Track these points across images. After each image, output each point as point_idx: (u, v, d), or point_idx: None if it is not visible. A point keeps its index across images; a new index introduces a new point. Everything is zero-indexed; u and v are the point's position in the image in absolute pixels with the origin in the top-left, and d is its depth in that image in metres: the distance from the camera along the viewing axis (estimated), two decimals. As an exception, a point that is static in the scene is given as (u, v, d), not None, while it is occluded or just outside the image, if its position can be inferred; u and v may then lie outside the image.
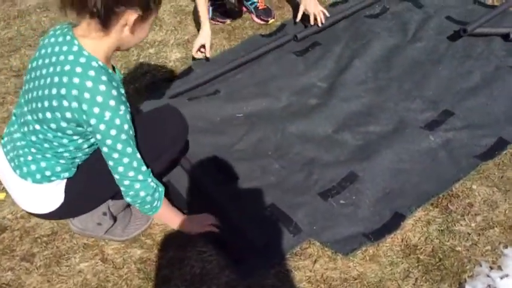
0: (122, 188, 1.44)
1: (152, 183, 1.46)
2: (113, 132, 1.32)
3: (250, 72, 2.43)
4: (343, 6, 2.87)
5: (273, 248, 1.62)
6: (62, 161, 1.42)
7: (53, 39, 1.36)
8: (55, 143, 1.38)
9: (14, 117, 1.49)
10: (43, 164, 1.41)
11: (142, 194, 1.44)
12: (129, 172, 1.39)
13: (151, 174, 1.46)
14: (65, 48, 1.31)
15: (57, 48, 1.32)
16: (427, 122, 2.06)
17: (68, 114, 1.31)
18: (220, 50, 2.64)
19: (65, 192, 1.46)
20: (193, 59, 2.52)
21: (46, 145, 1.39)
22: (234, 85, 2.35)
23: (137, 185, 1.42)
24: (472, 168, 1.82)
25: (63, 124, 1.33)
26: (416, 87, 2.25)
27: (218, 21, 2.84)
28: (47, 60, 1.34)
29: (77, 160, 1.46)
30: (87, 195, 1.53)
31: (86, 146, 1.43)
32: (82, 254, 1.63)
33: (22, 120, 1.42)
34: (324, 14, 2.59)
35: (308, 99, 2.26)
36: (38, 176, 1.42)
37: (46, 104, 1.32)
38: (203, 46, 2.46)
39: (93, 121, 1.29)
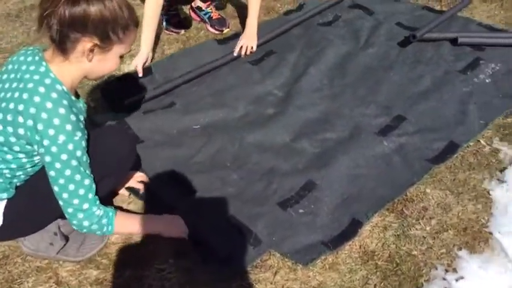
0: (66, 215, 1.41)
1: (98, 211, 1.42)
2: (64, 156, 1.29)
3: (206, 83, 2.42)
4: (297, 14, 2.90)
5: (234, 259, 1.61)
6: None
7: (22, 58, 1.36)
8: None
9: None
10: None
11: (86, 223, 1.41)
12: (74, 200, 1.37)
13: (97, 202, 1.42)
14: (32, 67, 1.31)
15: (24, 67, 1.32)
16: (381, 127, 2.10)
17: (21, 131, 1.29)
18: (175, 60, 2.62)
19: (4, 214, 1.42)
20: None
21: None
22: (190, 97, 2.33)
23: (80, 215, 1.39)
24: (425, 172, 1.86)
25: (12, 139, 1.31)
26: (370, 93, 2.29)
27: (172, 31, 2.81)
28: (12, 75, 1.34)
29: (15, 180, 1.42)
30: (28, 218, 1.49)
31: (28, 165, 1.40)
32: (35, 277, 1.57)
33: None
34: (252, 49, 2.57)
35: (265, 109, 2.26)
36: None
37: (0, 116, 1.30)
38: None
39: (46, 142, 1.27)
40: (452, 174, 1.86)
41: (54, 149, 1.28)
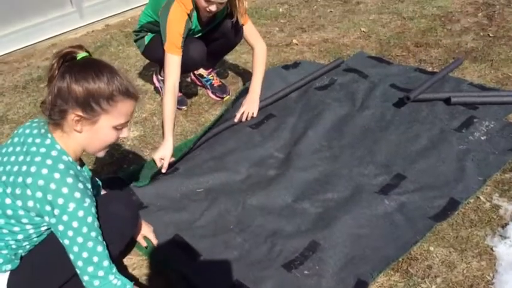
0: (83, 284, 1.40)
1: (115, 281, 1.40)
2: (75, 224, 1.32)
3: (207, 148, 2.47)
4: (294, 73, 3.02)
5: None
6: (4, 252, 1.39)
7: (28, 130, 1.41)
8: (4, 230, 1.36)
9: None
10: None
11: None
12: (89, 267, 1.36)
13: (114, 270, 1.41)
14: (38, 140, 1.37)
15: (30, 139, 1.37)
16: (382, 186, 2.13)
17: (30, 203, 1.32)
18: (179, 125, 2.68)
19: (8, 285, 1.41)
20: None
21: None
22: (193, 161, 2.38)
23: (96, 282, 1.37)
24: (427, 230, 1.87)
25: (21, 212, 1.34)
26: (369, 153, 2.34)
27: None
28: (18, 149, 1.38)
29: (20, 251, 1.43)
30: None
31: (34, 236, 1.41)
32: None
33: None
34: (252, 115, 2.66)
35: (267, 171, 2.30)
36: None
37: (8, 190, 1.33)
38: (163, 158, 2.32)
39: (56, 211, 1.30)
40: (454, 232, 1.87)
41: (65, 217, 1.30)
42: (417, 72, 3.01)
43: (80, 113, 1.35)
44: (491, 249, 1.78)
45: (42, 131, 1.39)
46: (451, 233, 1.86)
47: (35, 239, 1.43)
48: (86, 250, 1.35)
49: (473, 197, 2.02)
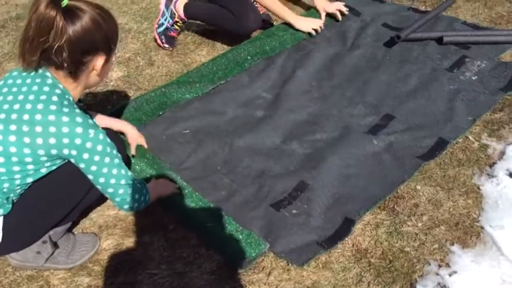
0: (109, 197, 1.48)
1: (136, 183, 1.51)
2: (99, 147, 1.35)
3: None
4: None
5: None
6: None
7: (24, 73, 1.38)
8: (1, 169, 1.34)
9: None
10: None
11: (128, 198, 1.48)
12: (121, 180, 1.44)
13: (130, 174, 1.49)
14: (38, 80, 1.35)
15: (29, 80, 1.36)
16: (370, 126, 2.11)
17: (39, 140, 1.30)
18: (164, 66, 2.61)
19: (3, 229, 1.41)
20: None
21: None
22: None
23: (121, 190, 1.46)
24: (415, 169, 1.87)
25: (26, 151, 1.31)
26: (358, 93, 2.30)
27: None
28: (14, 89, 1.36)
29: (12, 195, 1.40)
30: (26, 231, 1.48)
31: (31, 179, 1.39)
32: (26, 286, 1.55)
33: None
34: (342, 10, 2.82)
35: (254, 111, 2.26)
36: None
37: (13, 127, 1.30)
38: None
39: (78, 141, 1.31)
40: (442, 171, 1.86)
41: (88, 144, 1.33)
42: (410, 11, 2.93)
43: (106, 56, 1.40)
44: (478, 187, 1.79)
45: (40, 71, 1.37)
46: (439, 172, 1.86)
47: (30, 183, 1.41)
48: (115, 167, 1.41)
49: (462, 136, 2.01)
